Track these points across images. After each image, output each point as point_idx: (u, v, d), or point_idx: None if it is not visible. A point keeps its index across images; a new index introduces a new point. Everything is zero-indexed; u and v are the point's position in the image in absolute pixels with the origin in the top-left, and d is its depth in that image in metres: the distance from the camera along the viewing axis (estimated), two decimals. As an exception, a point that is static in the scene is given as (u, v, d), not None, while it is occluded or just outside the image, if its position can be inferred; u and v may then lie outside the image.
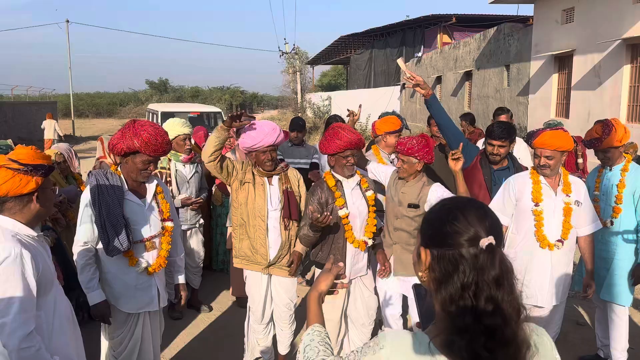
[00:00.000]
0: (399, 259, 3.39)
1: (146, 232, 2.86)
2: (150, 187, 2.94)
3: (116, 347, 2.86)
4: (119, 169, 2.87)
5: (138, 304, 2.87)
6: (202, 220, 4.65)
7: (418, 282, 1.35)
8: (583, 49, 11.14)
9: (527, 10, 29.02)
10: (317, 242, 3.33)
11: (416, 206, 3.27)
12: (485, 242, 1.15)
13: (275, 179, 3.38)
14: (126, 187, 2.81)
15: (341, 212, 3.24)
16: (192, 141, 4.83)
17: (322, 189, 3.30)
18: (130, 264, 2.81)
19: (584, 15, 11.14)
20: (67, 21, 28.15)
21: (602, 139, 3.51)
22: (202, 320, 4.68)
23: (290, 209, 3.33)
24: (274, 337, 3.72)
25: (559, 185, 3.27)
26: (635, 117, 9.63)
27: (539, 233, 3.25)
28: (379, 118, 4.58)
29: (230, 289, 4.97)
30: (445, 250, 1.18)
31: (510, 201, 3.32)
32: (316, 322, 1.55)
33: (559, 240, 3.24)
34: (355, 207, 3.31)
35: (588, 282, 3.34)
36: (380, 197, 3.70)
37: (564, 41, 11.86)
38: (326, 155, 3.36)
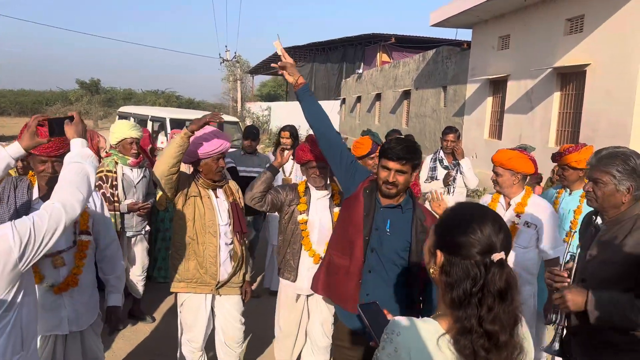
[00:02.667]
0: None
1: (54, 245, 2.49)
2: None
3: None
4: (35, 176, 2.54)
5: (44, 325, 2.49)
6: (148, 227, 4.41)
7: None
8: (517, 74, 11.77)
9: (465, 35, 30.43)
10: (280, 247, 3.30)
11: None
12: (497, 257, 1.26)
13: (220, 191, 3.13)
14: (36, 194, 2.43)
15: (299, 217, 3.20)
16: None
17: (290, 190, 3.28)
18: (35, 281, 2.37)
19: (519, 43, 11.79)
20: (-9, 11, 26.31)
21: (563, 154, 3.62)
22: (143, 331, 4.43)
23: (241, 222, 3.14)
24: None
25: (510, 204, 3.33)
26: (563, 141, 10.24)
27: None
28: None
29: (174, 299, 4.73)
30: (458, 258, 1.28)
31: None
32: None
33: None
34: (317, 217, 3.23)
35: (547, 308, 3.31)
36: None
37: (499, 66, 12.49)
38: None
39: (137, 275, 4.35)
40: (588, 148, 3.60)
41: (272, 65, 2.74)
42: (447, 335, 1.27)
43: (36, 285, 2.45)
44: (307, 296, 3.31)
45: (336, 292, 2.61)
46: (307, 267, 3.21)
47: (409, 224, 2.48)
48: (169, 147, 2.81)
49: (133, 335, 4.30)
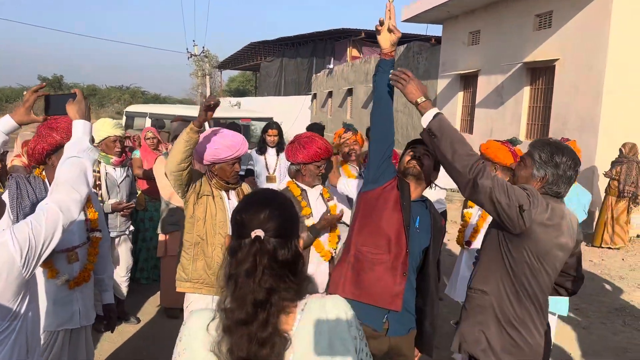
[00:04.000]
0: None
1: (68, 241, 2.52)
2: None
3: None
4: (43, 172, 2.59)
5: (56, 320, 2.54)
6: (132, 227, 4.31)
7: None
8: (487, 70, 12.00)
9: (436, 30, 30.77)
10: None
11: None
12: (253, 234, 1.26)
13: (232, 192, 3.07)
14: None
15: (308, 222, 3.10)
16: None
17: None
18: (49, 276, 2.49)
19: (489, 38, 12.01)
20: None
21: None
22: (128, 332, 4.34)
23: None
24: None
25: None
26: (534, 135, 10.51)
27: (459, 235, 3.78)
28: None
29: (159, 299, 4.68)
30: (233, 239, 1.32)
31: None
32: None
33: (467, 242, 3.67)
34: (318, 217, 3.17)
35: None
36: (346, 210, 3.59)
37: (470, 62, 12.70)
38: (285, 164, 3.25)
39: (121, 276, 4.24)
40: (572, 143, 3.71)
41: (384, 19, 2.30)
42: (218, 318, 1.27)
43: (48, 281, 2.49)
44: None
45: (371, 291, 2.40)
46: (316, 266, 3.17)
47: (429, 222, 2.49)
48: (177, 142, 2.74)
49: (118, 336, 4.20)
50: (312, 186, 3.20)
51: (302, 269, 1.33)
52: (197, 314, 1.33)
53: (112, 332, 2.95)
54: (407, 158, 2.47)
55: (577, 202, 3.61)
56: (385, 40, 2.37)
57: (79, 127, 1.98)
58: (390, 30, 2.35)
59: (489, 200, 1.98)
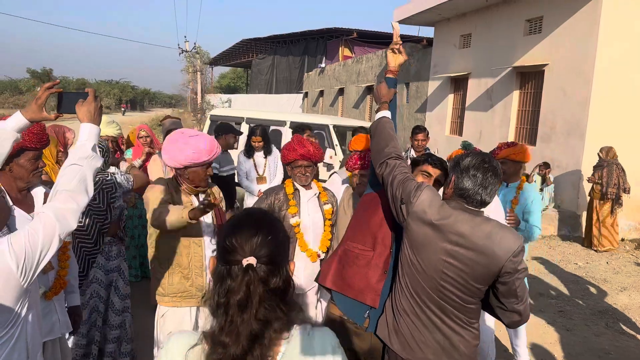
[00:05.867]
0: None
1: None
2: (38, 196, 2.42)
3: None
4: None
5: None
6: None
7: None
8: (478, 73, 12.10)
9: (428, 32, 30.82)
10: None
11: None
12: (245, 262, 1.19)
13: (201, 196, 2.92)
14: (10, 201, 2.27)
15: (292, 221, 3.16)
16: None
17: (277, 195, 3.25)
18: None
19: (480, 41, 12.12)
20: None
21: (501, 148, 3.85)
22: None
23: None
24: None
25: None
26: (523, 139, 10.63)
27: None
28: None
29: (151, 295, 4.66)
30: (219, 264, 1.26)
31: None
32: None
33: None
34: (309, 218, 3.23)
35: None
36: None
37: (461, 64, 12.80)
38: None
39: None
40: (522, 145, 3.91)
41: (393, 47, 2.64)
42: (201, 346, 1.21)
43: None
44: (299, 294, 3.33)
45: (352, 284, 2.49)
46: (304, 267, 3.23)
47: None
48: (168, 219, 2.57)
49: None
50: (304, 187, 3.25)
51: (292, 296, 1.26)
52: (177, 337, 1.26)
53: (74, 334, 2.74)
54: (420, 178, 2.63)
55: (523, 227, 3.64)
56: (395, 59, 2.64)
57: (85, 131, 1.89)
58: (400, 52, 2.62)
59: (388, 191, 2.26)
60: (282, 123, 8.88)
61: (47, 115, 1.96)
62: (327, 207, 3.31)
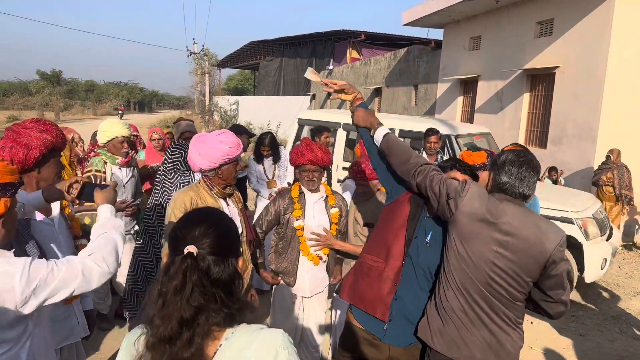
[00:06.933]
0: None
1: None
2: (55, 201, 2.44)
3: None
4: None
5: (57, 338, 2.40)
6: (137, 227, 4.33)
7: None
8: (487, 75, 12.06)
9: (437, 34, 30.74)
10: (279, 254, 3.28)
11: (371, 225, 3.31)
12: (186, 250, 1.23)
13: (229, 200, 2.90)
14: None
15: (296, 224, 3.18)
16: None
17: (283, 198, 3.27)
18: None
19: (490, 44, 12.07)
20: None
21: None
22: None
23: (251, 229, 3.01)
24: None
25: None
26: (533, 141, 10.58)
27: None
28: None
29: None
30: (170, 255, 1.29)
31: None
32: None
33: None
34: (314, 221, 3.23)
35: None
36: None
37: (470, 67, 12.76)
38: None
39: (124, 275, 4.26)
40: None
41: (331, 97, 2.72)
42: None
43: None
44: (303, 297, 3.33)
45: (365, 297, 2.48)
46: (307, 270, 3.23)
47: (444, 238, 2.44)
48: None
49: (121, 335, 4.23)
50: (310, 190, 3.25)
51: (238, 292, 1.27)
52: (132, 332, 1.31)
53: (87, 339, 2.73)
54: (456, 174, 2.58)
55: None
56: (349, 96, 2.69)
57: (107, 210, 2.00)
58: (341, 91, 2.68)
59: (428, 192, 2.27)
60: (443, 137, 6.86)
61: (65, 195, 2.10)
62: (334, 210, 3.29)
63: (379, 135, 2.49)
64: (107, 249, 1.83)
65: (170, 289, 1.20)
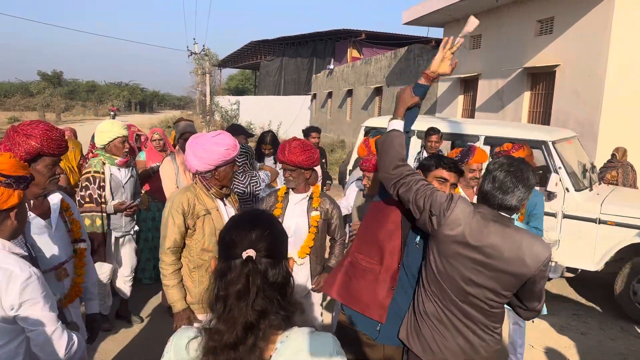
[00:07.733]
0: None
1: (55, 258, 2.36)
2: (54, 202, 2.42)
3: None
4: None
5: None
6: (137, 227, 4.34)
7: None
8: (488, 74, 12.04)
9: (437, 33, 30.76)
10: None
11: None
12: (245, 254, 1.23)
13: (226, 200, 2.91)
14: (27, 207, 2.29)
15: None
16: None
17: (270, 197, 3.33)
18: None
19: (490, 42, 12.06)
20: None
21: (499, 152, 4.01)
22: (132, 331, 4.38)
23: None
24: None
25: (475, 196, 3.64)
26: (533, 140, 10.57)
27: None
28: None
29: (162, 298, 4.70)
30: (220, 261, 1.29)
31: None
32: None
33: None
34: (292, 222, 3.18)
35: None
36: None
37: (471, 65, 12.74)
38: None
39: (125, 276, 4.28)
40: (526, 147, 4.01)
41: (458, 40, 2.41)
42: (201, 338, 1.24)
43: None
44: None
45: (359, 298, 2.45)
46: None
47: None
48: (168, 290, 2.83)
49: (122, 336, 4.24)
50: (294, 190, 3.24)
51: (292, 294, 1.28)
52: (181, 332, 1.31)
53: (91, 343, 2.69)
54: (436, 184, 2.47)
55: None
56: (441, 66, 2.39)
57: None
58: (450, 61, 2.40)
59: (411, 205, 2.19)
60: (537, 144, 5.50)
61: None
62: (315, 213, 3.22)
63: (389, 126, 2.37)
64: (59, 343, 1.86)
65: (232, 294, 1.19)
